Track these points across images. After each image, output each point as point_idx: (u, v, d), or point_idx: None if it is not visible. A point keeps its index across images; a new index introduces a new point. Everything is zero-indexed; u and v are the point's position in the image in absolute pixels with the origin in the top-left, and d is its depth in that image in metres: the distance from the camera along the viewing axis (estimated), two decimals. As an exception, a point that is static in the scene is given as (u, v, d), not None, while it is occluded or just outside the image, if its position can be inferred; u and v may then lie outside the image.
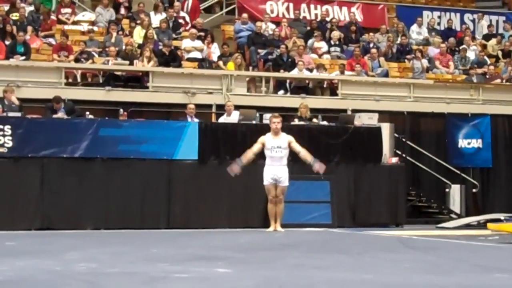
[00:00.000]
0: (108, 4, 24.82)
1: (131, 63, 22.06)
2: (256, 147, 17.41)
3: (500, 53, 27.19)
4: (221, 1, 26.71)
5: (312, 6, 27.57)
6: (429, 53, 26.29)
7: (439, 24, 28.26)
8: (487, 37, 28.25)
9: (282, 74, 23.53)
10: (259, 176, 19.26)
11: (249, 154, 17.31)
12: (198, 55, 23.39)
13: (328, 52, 25.40)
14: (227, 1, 26.80)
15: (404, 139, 22.60)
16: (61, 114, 18.77)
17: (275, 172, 17.42)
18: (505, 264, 12.77)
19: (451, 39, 27.10)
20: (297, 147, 17.47)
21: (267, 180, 17.57)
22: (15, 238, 15.41)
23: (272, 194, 17.57)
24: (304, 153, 17.40)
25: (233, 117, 20.25)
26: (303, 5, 27.48)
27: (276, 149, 17.31)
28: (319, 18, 26.95)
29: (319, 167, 17.36)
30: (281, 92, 23.39)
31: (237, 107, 20.61)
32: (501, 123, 24.29)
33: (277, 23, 25.93)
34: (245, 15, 25.82)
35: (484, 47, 27.48)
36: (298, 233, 16.72)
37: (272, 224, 17.70)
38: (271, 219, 17.76)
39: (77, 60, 21.90)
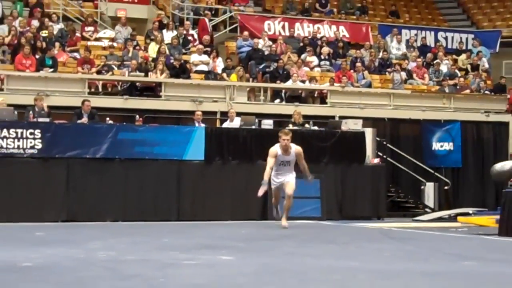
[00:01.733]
0: (126, 23, 24.85)
1: (146, 75, 22.08)
2: (271, 162, 15.79)
3: (469, 67, 27.21)
4: (225, 20, 26.70)
5: (304, 25, 27.59)
6: (407, 66, 26.28)
7: (416, 41, 28.25)
8: (457, 52, 28.26)
9: (278, 85, 23.54)
10: (258, 175, 19.26)
11: (268, 171, 15.87)
12: (204, 68, 23.40)
13: (319, 65, 25.41)
14: (230, 21, 26.81)
15: (385, 143, 22.58)
16: (84, 120, 18.80)
17: (283, 178, 15.92)
18: (473, 253, 12.79)
19: (428, 54, 27.10)
20: (302, 164, 16.08)
21: (274, 184, 16.09)
22: (44, 229, 15.40)
23: (277, 200, 16.25)
24: (305, 168, 16.18)
25: (235, 123, 20.26)
26: (297, 24, 27.49)
27: (285, 163, 15.89)
28: (310, 36, 26.93)
29: (310, 179, 16.57)
30: (277, 100, 23.42)
31: (238, 114, 20.63)
32: (470, 128, 24.32)
33: (274, 40, 25.92)
34: (246, 33, 25.83)
35: (455, 61, 27.50)
36: (292, 225, 16.69)
37: (275, 211, 16.47)
38: (275, 208, 16.42)
39: (98, 72, 21.91)
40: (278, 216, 16.18)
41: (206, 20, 25.98)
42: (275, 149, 15.76)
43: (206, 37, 24.97)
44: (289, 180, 15.81)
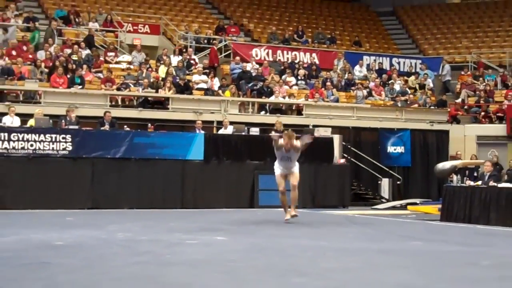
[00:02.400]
0: (141, 50, 24.82)
1: (157, 91, 22.04)
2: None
3: (417, 86, 27.23)
4: (221, 48, 26.66)
5: (285, 52, 27.55)
6: (367, 85, 26.31)
7: (374, 65, 28.26)
8: (408, 74, 28.31)
9: (263, 99, 23.52)
10: (247, 171, 19.32)
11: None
12: (204, 86, 23.35)
13: (296, 84, 25.38)
14: (225, 48, 26.75)
15: (349, 146, 22.60)
16: (106, 127, 18.78)
17: (286, 165, 13.96)
18: (420, 234, 12.85)
19: (384, 76, 27.15)
20: (302, 148, 14.16)
21: (277, 171, 14.04)
22: (73, 214, 15.40)
23: (282, 186, 13.95)
24: (302, 144, 14.04)
25: (229, 130, 20.25)
26: (279, 51, 27.46)
27: (287, 158, 13.93)
28: (290, 61, 26.91)
29: (307, 139, 14.43)
30: (262, 112, 23.39)
31: (231, 123, 20.61)
32: (418, 135, 24.34)
33: (260, 63, 25.89)
34: (237, 58, 25.81)
35: (406, 81, 27.52)
36: (274, 212, 16.68)
37: (286, 213, 14.02)
38: (284, 209, 14.17)
39: (118, 89, 21.85)
40: (287, 221, 13.78)
41: (215, 47, 26.03)
42: (281, 141, 13.89)
43: (206, 61, 25.02)
44: (294, 171, 13.91)
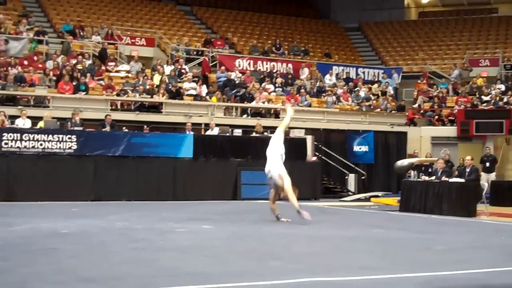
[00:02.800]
0: (138, 60, 24.73)
1: (152, 97, 21.95)
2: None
3: (379, 93, 27.32)
4: (208, 59, 26.56)
5: (264, 62, 27.49)
6: (336, 92, 26.37)
7: (343, 74, 28.31)
8: (371, 82, 28.39)
9: (245, 104, 23.47)
10: (231, 167, 19.28)
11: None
12: (193, 92, 23.27)
13: (274, 91, 25.38)
14: (212, 59, 26.69)
15: (320, 146, 22.61)
16: (107, 128, 18.70)
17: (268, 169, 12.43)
18: (381, 223, 12.91)
19: (350, 84, 27.22)
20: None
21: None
22: (77, 206, 15.33)
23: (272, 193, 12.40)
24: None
25: (215, 131, 20.20)
26: (259, 62, 27.39)
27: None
28: (268, 70, 26.91)
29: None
30: (244, 115, 23.34)
31: (217, 125, 20.54)
32: (380, 136, 24.39)
33: (243, 73, 25.85)
34: (223, 67, 25.74)
35: (370, 89, 27.60)
36: (255, 203, 16.72)
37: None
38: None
39: (118, 94, 21.74)
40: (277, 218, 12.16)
41: (207, 58, 25.96)
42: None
43: (195, 71, 24.98)
44: (273, 175, 12.28)
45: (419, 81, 28.87)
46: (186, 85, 23.61)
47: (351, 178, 22.79)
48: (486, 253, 8.32)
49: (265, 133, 20.90)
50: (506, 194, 19.21)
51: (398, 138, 24.82)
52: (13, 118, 18.42)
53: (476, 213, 15.33)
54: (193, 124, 20.74)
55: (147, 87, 22.41)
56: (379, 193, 21.69)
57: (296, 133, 20.78)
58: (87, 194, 17.36)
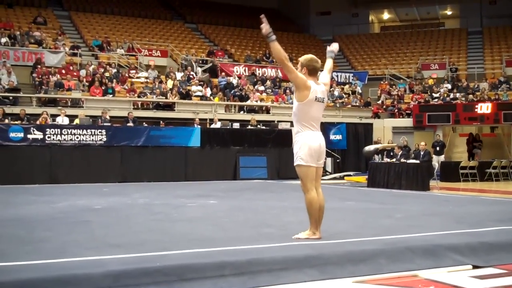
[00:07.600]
0: (154, 68, 24.62)
1: (166, 98, 21.88)
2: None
3: (350, 92, 27.32)
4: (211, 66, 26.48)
5: (257, 68, 27.41)
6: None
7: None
8: (343, 84, 28.35)
9: (242, 103, 23.42)
10: (232, 154, 19.25)
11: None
12: (200, 93, 23.22)
13: (265, 92, 25.35)
14: (215, 66, 26.58)
15: (303, 135, 22.55)
16: (130, 124, 18.63)
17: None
18: (353, 196, 12.93)
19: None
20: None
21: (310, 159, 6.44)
22: (108, 186, 15.32)
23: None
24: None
25: (218, 125, 20.17)
26: (253, 68, 27.35)
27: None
28: (261, 75, 26.87)
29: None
30: (241, 112, 23.31)
31: (219, 120, 20.54)
32: (351, 127, 24.31)
33: (240, 77, 25.81)
34: (223, 73, 25.70)
35: (342, 89, 27.58)
36: (251, 183, 16.74)
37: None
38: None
39: (138, 96, 21.66)
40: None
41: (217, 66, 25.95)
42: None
43: (201, 76, 24.89)
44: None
45: (382, 82, 28.84)
46: (194, 88, 23.53)
47: (328, 161, 22.81)
48: (437, 219, 8.33)
49: (258, 126, 20.92)
50: (453, 172, 19.28)
51: (366, 128, 24.79)
52: (54, 116, 18.39)
53: (429, 188, 15.37)
54: (200, 119, 20.68)
55: (162, 90, 22.33)
56: (351, 173, 21.69)
57: (283, 125, 20.75)
58: (115, 176, 17.31)
